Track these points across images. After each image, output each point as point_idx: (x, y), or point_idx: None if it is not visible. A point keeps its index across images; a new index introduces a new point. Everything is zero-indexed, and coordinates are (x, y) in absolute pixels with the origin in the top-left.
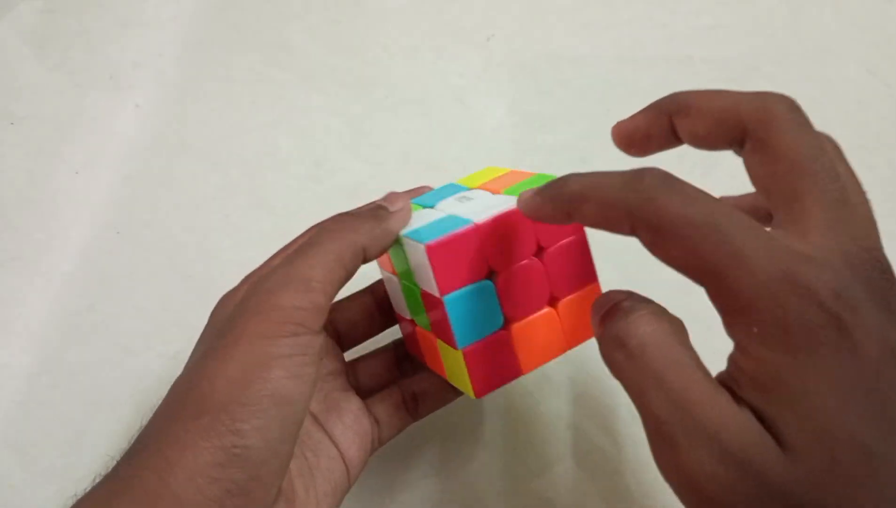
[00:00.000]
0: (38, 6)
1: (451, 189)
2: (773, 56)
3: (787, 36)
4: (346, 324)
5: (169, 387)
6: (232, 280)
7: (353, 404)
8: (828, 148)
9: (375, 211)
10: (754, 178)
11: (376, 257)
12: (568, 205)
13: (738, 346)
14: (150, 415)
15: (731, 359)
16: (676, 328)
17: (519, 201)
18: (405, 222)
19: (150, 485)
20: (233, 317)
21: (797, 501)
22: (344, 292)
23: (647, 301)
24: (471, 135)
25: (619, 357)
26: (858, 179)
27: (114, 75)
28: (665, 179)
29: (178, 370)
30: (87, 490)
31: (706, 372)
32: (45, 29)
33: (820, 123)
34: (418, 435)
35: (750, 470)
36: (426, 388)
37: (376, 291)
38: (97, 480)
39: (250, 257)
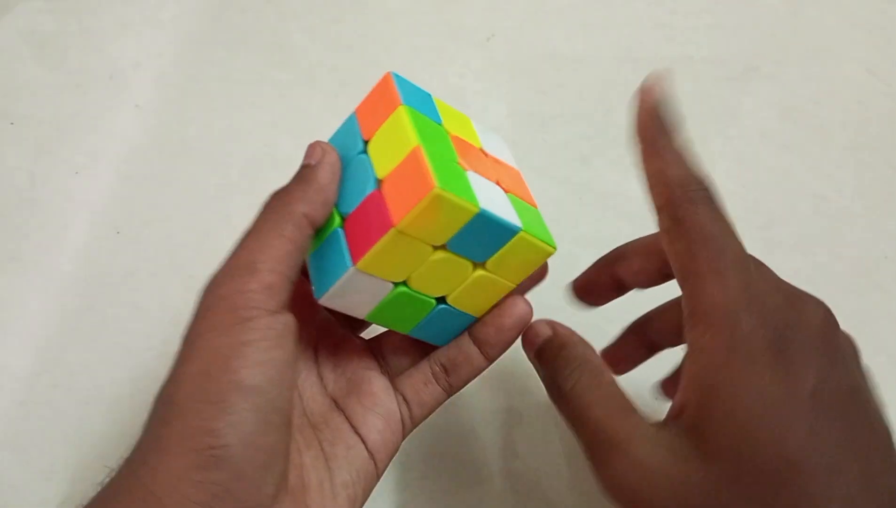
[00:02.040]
0: (38, 6)
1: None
2: (773, 56)
3: (787, 36)
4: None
5: None
6: None
7: (375, 384)
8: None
9: (301, 172)
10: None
11: (324, 217)
12: (650, 141)
13: (689, 349)
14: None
15: (681, 364)
16: (598, 366)
17: (646, 85)
18: (334, 171)
19: (137, 494)
20: (190, 322)
21: (711, 503)
22: None
23: (573, 341)
24: None
25: (556, 397)
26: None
27: (114, 75)
28: (708, 196)
29: None
30: (87, 502)
31: (622, 400)
32: (45, 29)
33: (820, 123)
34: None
35: (658, 476)
36: (455, 356)
37: None
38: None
39: None
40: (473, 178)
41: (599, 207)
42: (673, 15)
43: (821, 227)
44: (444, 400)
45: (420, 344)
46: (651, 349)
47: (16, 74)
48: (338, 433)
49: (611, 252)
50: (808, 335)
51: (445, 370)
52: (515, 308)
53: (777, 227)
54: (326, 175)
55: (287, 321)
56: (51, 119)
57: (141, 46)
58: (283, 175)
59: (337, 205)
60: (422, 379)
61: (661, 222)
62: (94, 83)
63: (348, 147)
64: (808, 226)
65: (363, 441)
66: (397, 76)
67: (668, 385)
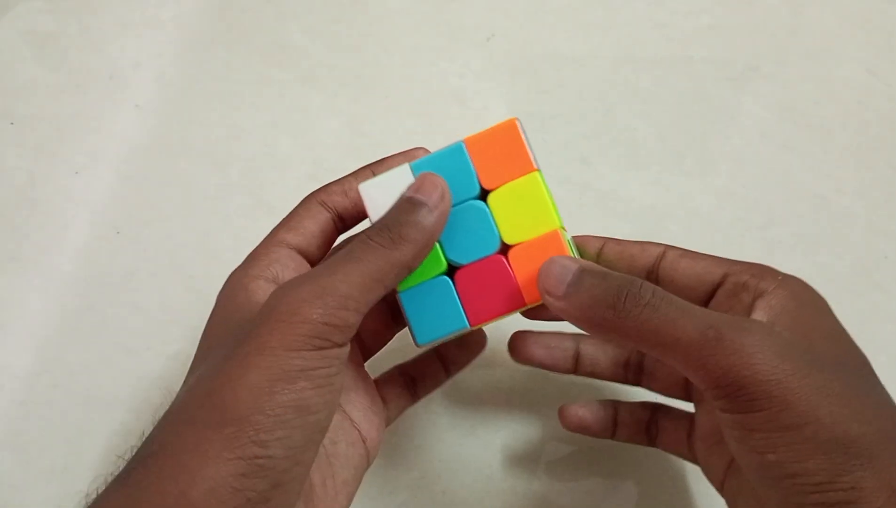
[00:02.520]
0: (38, 6)
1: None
2: (773, 56)
3: (787, 36)
4: (363, 331)
5: (168, 386)
6: None
7: (368, 383)
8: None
9: (417, 214)
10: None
11: (420, 262)
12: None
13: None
14: (161, 413)
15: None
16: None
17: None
18: (445, 220)
19: (169, 495)
20: (256, 323)
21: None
22: None
23: (605, 269)
24: None
25: (634, 317)
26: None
27: (114, 75)
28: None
29: (179, 369)
30: (100, 492)
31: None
32: (45, 29)
33: (820, 123)
34: (416, 435)
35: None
36: (422, 370)
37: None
38: (108, 481)
39: None
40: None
41: (599, 207)
42: (673, 15)
43: (821, 227)
44: (410, 406)
45: (390, 330)
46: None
47: (16, 74)
48: (339, 432)
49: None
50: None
51: (414, 380)
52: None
53: (777, 227)
54: (438, 227)
55: (348, 350)
56: (51, 119)
57: (141, 46)
58: (283, 175)
59: (441, 242)
60: (398, 386)
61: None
62: (94, 83)
63: (456, 182)
64: (808, 226)
65: (362, 437)
66: (522, 125)
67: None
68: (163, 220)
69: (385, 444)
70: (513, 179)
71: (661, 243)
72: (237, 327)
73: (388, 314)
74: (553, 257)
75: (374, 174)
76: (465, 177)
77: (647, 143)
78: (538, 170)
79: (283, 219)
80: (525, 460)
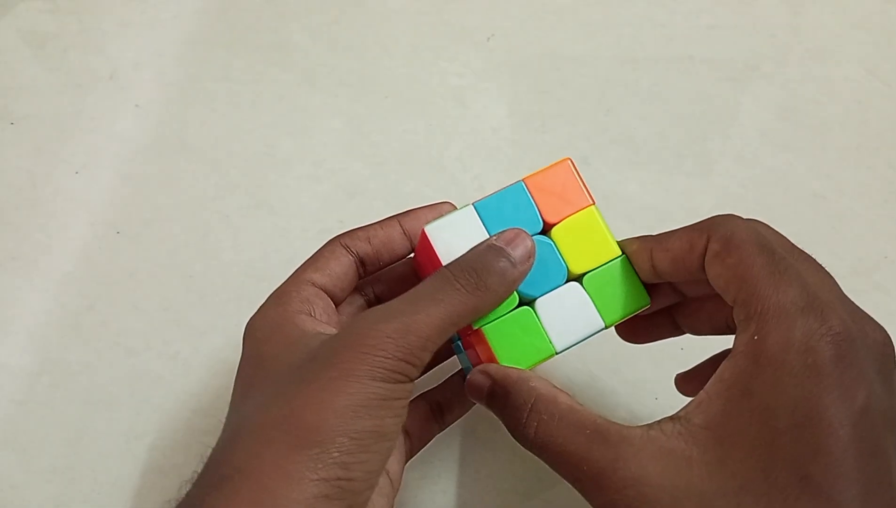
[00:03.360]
0: (38, 6)
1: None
2: (773, 56)
3: (787, 36)
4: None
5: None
6: (232, 281)
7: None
8: (762, 230)
9: (504, 265)
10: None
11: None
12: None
13: (733, 350)
14: (162, 409)
15: (719, 369)
16: (550, 394)
17: None
18: (525, 276)
19: None
20: (337, 349)
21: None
22: None
23: (512, 379)
24: (471, 135)
25: (525, 444)
26: (801, 250)
27: (114, 75)
28: (739, 217)
29: (179, 370)
30: None
31: (589, 419)
32: (45, 29)
33: (820, 123)
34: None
35: (656, 486)
36: (450, 397)
37: (428, 396)
38: (178, 500)
39: (250, 257)
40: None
41: (600, 206)
42: (673, 15)
43: (821, 227)
44: (438, 434)
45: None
46: (676, 329)
47: (16, 74)
48: None
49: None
50: (867, 351)
51: (441, 408)
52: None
53: (777, 227)
54: (519, 283)
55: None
56: (51, 119)
57: (141, 46)
58: (283, 175)
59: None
60: (422, 416)
61: (710, 251)
62: (94, 83)
63: (520, 219)
64: (808, 226)
65: (387, 472)
66: (574, 164)
67: (683, 382)
68: (163, 220)
69: None
70: (573, 215)
71: (701, 231)
72: (303, 354)
73: (426, 411)
74: (472, 373)
75: (402, 225)
76: (527, 212)
77: (647, 143)
78: (594, 204)
79: (309, 259)
80: (526, 460)
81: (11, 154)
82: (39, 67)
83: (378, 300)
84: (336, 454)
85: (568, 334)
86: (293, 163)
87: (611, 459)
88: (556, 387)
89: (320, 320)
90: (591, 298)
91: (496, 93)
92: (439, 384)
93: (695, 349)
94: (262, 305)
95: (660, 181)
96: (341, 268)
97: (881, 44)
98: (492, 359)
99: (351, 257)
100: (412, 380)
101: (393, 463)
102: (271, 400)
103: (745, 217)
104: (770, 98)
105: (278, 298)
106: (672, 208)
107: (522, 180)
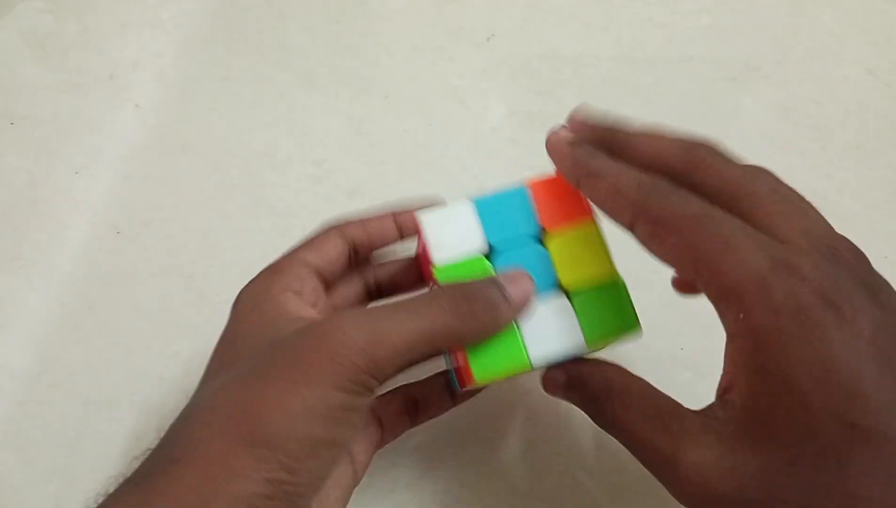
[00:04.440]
0: (38, 6)
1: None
2: (773, 56)
3: (787, 36)
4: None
5: (169, 387)
6: (232, 280)
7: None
8: (760, 172)
9: (499, 302)
10: None
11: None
12: (586, 172)
13: (727, 334)
14: (163, 412)
15: (726, 350)
16: (624, 383)
17: (550, 136)
18: (517, 316)
19: (189, 506)
20: (304, 348)
21: (770, 491)
22: None
23: (587, 372)
24: (471, 135)
25: (606, 428)
26: (797, 192)
27: (114, 75)
28: (670, 186)
29: (179, 369)
30: (113, 492)
31: (660, 406)
32: (45, 29)
33: (820, 123)
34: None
35: (716, 473)
36: (427, 394)
37: (406, 392)
38: (120, 482)
39: (250, 257)
40: None
41: None
42: (673, 15)
43: None
44: (409, 429)
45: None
46: None
47: (16, 74)
48: None
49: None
50: (849, 276)
51: (417, 405)
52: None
53: None
54: (510, 319)
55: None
56: (51, 119)
57: (141, 46)
58: (283, 175)
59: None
60: (396, 409)
61: (641, 235)
62: (94, 83)
63: (517, 222)
64: None
65: (351, 459)
66: None
67: (680, 282)
68: (163, 220)
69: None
70: (572, 225)
71: (625, 206)
72: (271, 340)
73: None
74: (549, 370)
75: (396, 219)
76: (525, 216)
77: None
78: (595, 219)
79: (304, 240)
80: (526, 460)
81: (11, 154)
82: (39, 67)
83: (377, 286)
84: (283, 457)
85: (547, 350)
86: (293, 163)
87: (674, 447)
88: (630, 373)
89: (308, 300)
90: (577, 317)
91: (496, 93)
92: (420, 381)
93: (695, 348)
94: (254, 277)
95: None
96: (335, 252)
97: (881, 44)
98: (466, 366)
99: (345, 242)
100: (373, 392)
101: (360, 452)
102: (231, 385)
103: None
104: (770, 98)
105: (270, 273)
106: None
107: (526, 184)
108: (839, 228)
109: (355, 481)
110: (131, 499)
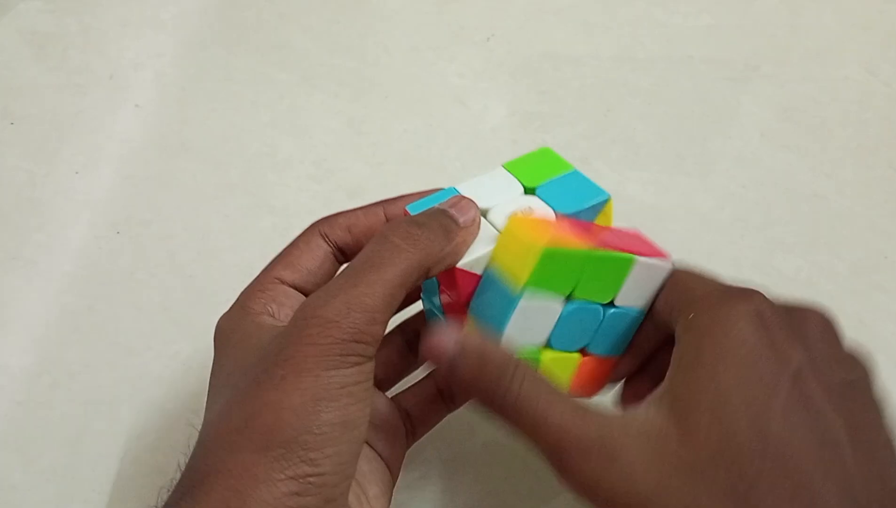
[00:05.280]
0: (38, 6)
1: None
2: (773, 56)
3: (787, 36)
4: (380, 366)
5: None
6: (232, 280)
7: (379, 402)
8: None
9: (445, 224)
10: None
11: (435, 275)
12: None
13: (678, 335)
14: (175, 414)
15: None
16: (531, 367)
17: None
18: (474, 238)
19: None
20: (284, 345)
21: (690, 489)
22: None
23: (491, 346)
24: (471, 135)
25: (498, 409)
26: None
27: (114, 75)
28: None
29: (179, 369)
30: None
31: (571, 399)
32: (45, 29)
33: (820, 123)
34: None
35: (636, 467)
36: (423, 409)
37: (406, 330)
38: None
39: (250, 257)
40: None
41: None
42: (673, 15)
43: (821, 227)
44: (447, 415)
45: (407, 358)
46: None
47: (16, 74)
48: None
49: None
50: (804, 320)
51: (410, 416)
52: None
53: (777, 227)
54: (461, 246)
55: (374, 361)
56: (51, 119)
57: (141, 46)
58: (283, 175)
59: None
60: (426, 397)
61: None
62: (94, 83)
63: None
64: (808, 226)
65: (379, 456)
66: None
67: (629, 396)
68: (163, 220)
69: None
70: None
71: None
72: (258, 353)
73: (404, 347)
74: (434, 330)
75: (386, 212)
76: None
77: (647, 143)
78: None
79: (281, 253)
80: (526, 460)
81: (11, 154)
82: (39, 67)
83: None
84: (301, 451)
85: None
86: (293, 163)
87: (596, 432)
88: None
89: (284, 321)
90: None
91: (496, 93)
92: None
93: None
94: (231, 306)
95: (660, 181)
96: (314, 262)
97: (881, 44)
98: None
99: (328, 246)
100: (370, 358)
101: (387, 448)
102: (230, 406)
103: (694, 311)
104: (770, 98)
105: (243, 298)
106: (672, 208)
107: (503, 165)
108: (839, 228)
109: (392, 478)
110: None
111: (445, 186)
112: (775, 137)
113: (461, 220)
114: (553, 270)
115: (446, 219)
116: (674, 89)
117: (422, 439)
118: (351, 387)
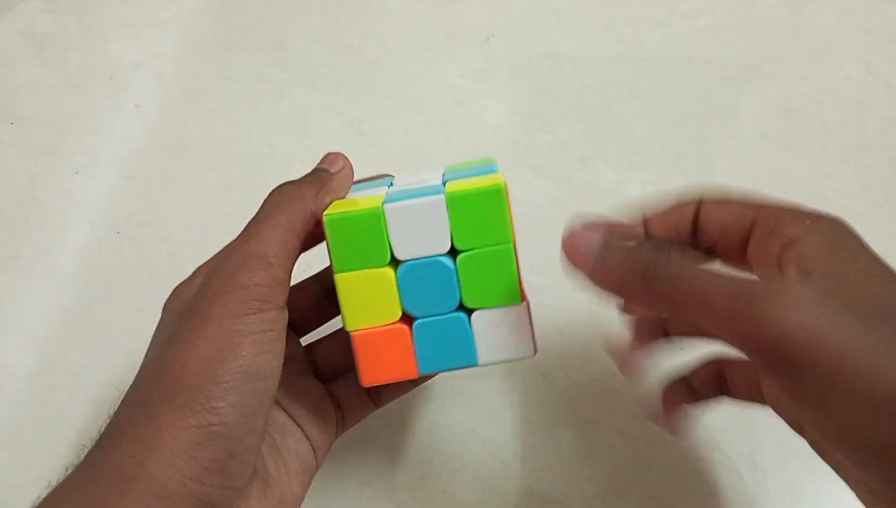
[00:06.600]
0: (38, 6)
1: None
2: (773, 56)
3: (787, 36)
4: (297, 311)
5: None
6: None
7: (313, 388)
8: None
9: (317, 174)
10: None
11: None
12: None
13: (795, 245)
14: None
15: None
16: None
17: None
18: (348, 182)
19: (126, 468)
20: (195, 301)
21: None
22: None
23: (639, 232)
24: (471, 135)
25: (658, 283)
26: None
27: (114, 75)
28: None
29: None
30: (61, 480)
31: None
32: (45, 29)
33: (820, 123)
34: (415, 434)
35: (815, 310)
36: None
37: (323, 278)
38: (69, 470)
39: None
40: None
41: (600, 207)
42: (673, 15)
43: None
44: (373, 411)
45: (352, 355)
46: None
47: (16, 74)
48: (285, 428)
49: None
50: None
51: (377, 387)
52: None
53: None
54: (343, 186)
55: (286, 315)
56: (51, 119)
57: (141, 46)
58: (282, 175)
59: (400, 287)
60: (354, 391)
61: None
62: (94, 83)
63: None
64: None
65: (307, 437)
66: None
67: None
68: (163, 220)
69: (385, 444)
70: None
71: (696, 194)
72: (180, 308)
73: (320, 293)
74: (574, 228)
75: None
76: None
77: (647, 143)
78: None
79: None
80: (526, 460)
81: (11, 154)
82: (39, 67)
83: None
84: (203, 399)
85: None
86: (293, 163)
87: (769, 283)
88: None
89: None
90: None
91: (496, 93)
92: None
93: (695, 348)
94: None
95: (660, 181)
96: (277, 245)
97: (881, 44)
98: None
99: (292, 234)
100: (276, 306)
101: (315, 431)
102: (146, 362)
103: (811, 218)
104: (770, 98)
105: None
106: None
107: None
108: None
109: (316, 461)
110: (72, 479)
111: None
112: (775, 137)
113: (332, 170)
114: (348, 236)
115: (319, 172)
116: (674, 89)
117: (422, 438)
118: (254, 335)
